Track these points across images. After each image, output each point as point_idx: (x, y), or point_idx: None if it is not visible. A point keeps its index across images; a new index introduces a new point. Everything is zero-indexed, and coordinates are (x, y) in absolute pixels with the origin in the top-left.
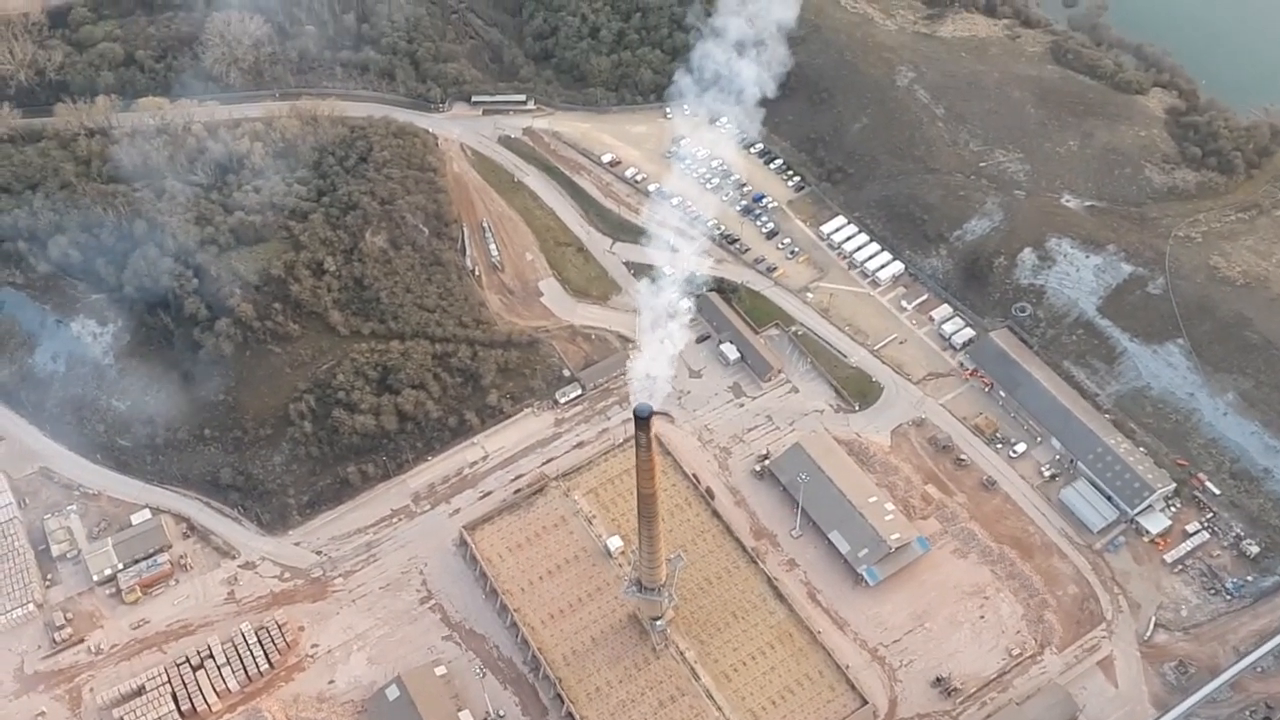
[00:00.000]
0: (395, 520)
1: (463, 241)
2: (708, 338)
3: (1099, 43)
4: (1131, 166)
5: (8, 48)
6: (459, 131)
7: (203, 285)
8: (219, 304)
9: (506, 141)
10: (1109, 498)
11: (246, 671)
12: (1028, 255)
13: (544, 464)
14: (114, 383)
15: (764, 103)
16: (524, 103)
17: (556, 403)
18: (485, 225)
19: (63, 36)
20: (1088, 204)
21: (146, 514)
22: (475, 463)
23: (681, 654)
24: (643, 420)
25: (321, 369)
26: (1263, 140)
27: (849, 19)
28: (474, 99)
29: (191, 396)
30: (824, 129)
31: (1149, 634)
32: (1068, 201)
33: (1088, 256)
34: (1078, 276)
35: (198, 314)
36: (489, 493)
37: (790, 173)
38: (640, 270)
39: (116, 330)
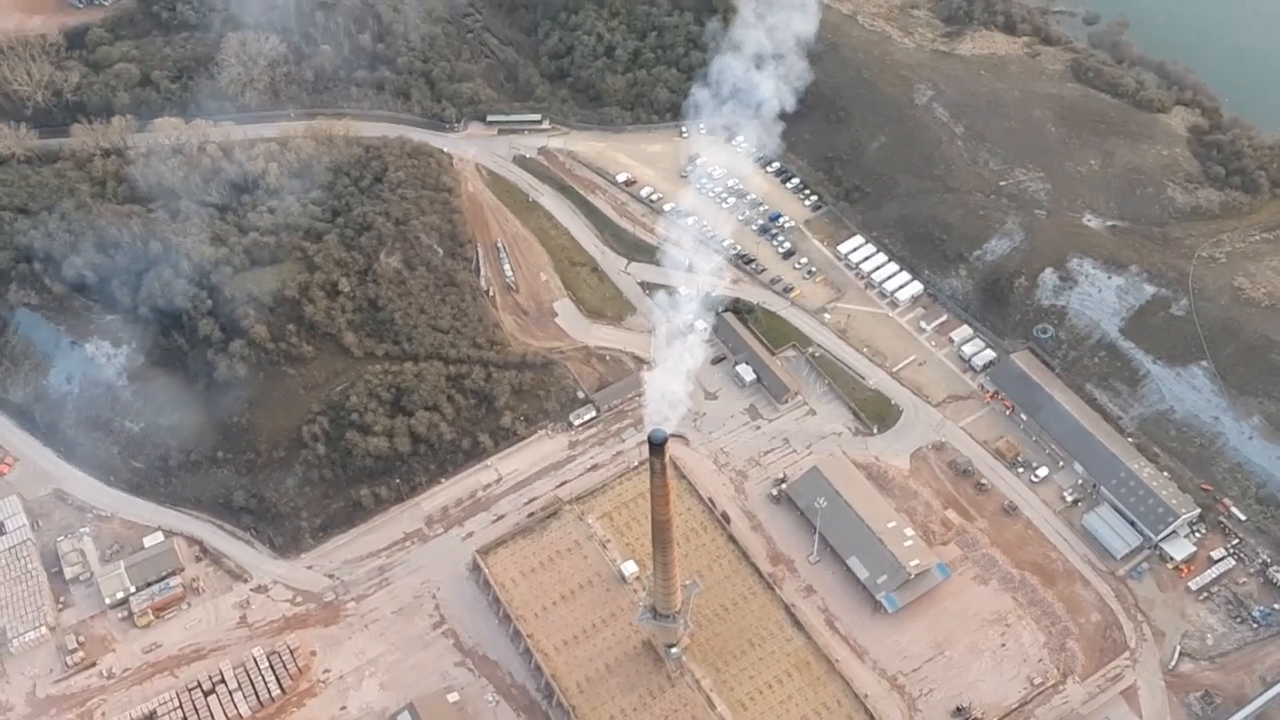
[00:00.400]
0: (408, 544)
1: (477, 262)
2: (723, 359)
3: (1120, 60)
4: (1154, 186)
5: (25, 69)
6: (474, 151)
7: (217, 306)
8: (233, 325)
9: (521, 161)
10: (1132, 523)
11: (258, 697)
12: (1049, 276)
13: (558, 487)
14: (128, 404)
15: (781, 121)
16: (539, 122)
17: (571, 425)
18: (500, 245)
19: (79, 57)
20: (1110, 224)
21: (159, 536)
22: (489, 485)
23: (697, 682)
24: (657, 446)
25: (335, 391)
26: None
27: (867, 37)
28: (489, 118)
29: (205, 418)
30: (841, 148)
31: (1174, 663)
32: (1089, 221)
33: (1110, 277)
34: (1100, 297)
35: (212, 335)
36: (502, 516)
37: (807, 192)
38: (656, 290)
39: (130, 351)
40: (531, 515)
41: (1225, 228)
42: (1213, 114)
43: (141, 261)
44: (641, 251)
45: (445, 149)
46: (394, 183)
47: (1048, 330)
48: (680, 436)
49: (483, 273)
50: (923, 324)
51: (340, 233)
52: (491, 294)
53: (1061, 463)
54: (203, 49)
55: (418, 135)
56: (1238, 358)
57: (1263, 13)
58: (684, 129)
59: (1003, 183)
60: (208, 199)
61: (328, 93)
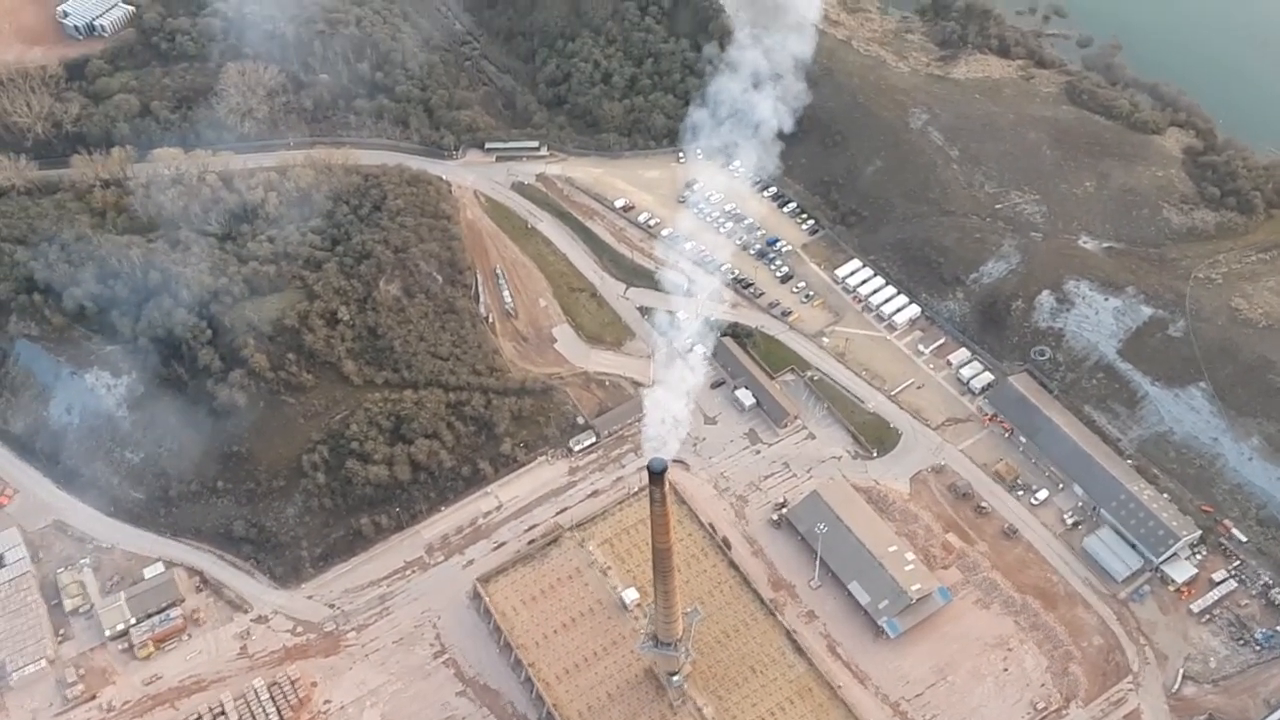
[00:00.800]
0: (408, 572)
1: (476, 288)
2: (723, 383)
3: (1114, 82)
4: (1149, 207)
5: (25, 100)
6: (472, 178)
7: (217, 336)
8: (233, 355)
9: (520, 188)
10: (1133, 546)
11: None
12: (1046, 298)
13: (558, 514)
14: (128, 434)
15: (777, 146)
16: (537, 149)
17: (571, 451)
18: (499, 272)
19: (79, 89)
20: (1106, 245)
21: (159, 567)
22: (489, 513)
23: (699, 710)
24: (657, 475)
25: (335, 419)
26: None
27: (861, 62)
28: (487, 146)
29: (205, 448)
30: (838, 172)
31: (1177, 686)
32: (1085, 243)
33: (1107, 299)
34: (1097, 319)
35: (211, 365)
36: (503, 543)
37: (804, 216)
38: (655, 315)
39: (130, 382)
40: (532, 543)
41: (1221, 248)
42: (1207, 135)
43: (141, 291)
44: (640, 276)
45: (444, 176)
46: (393, 210)
47: (1045, 352)
48: (680, 462)
49: (482, 299)
50: (921, 347)
51: (339, 261)
52: (491, 320)
53: (1061, 485)
54: (202, 79)
55: (416, 163)
56: (1236, 378)
57: (1254, 34)
58: (681, 154)
59: (998, 205)
60: (207, 228)
61: (326, 121)
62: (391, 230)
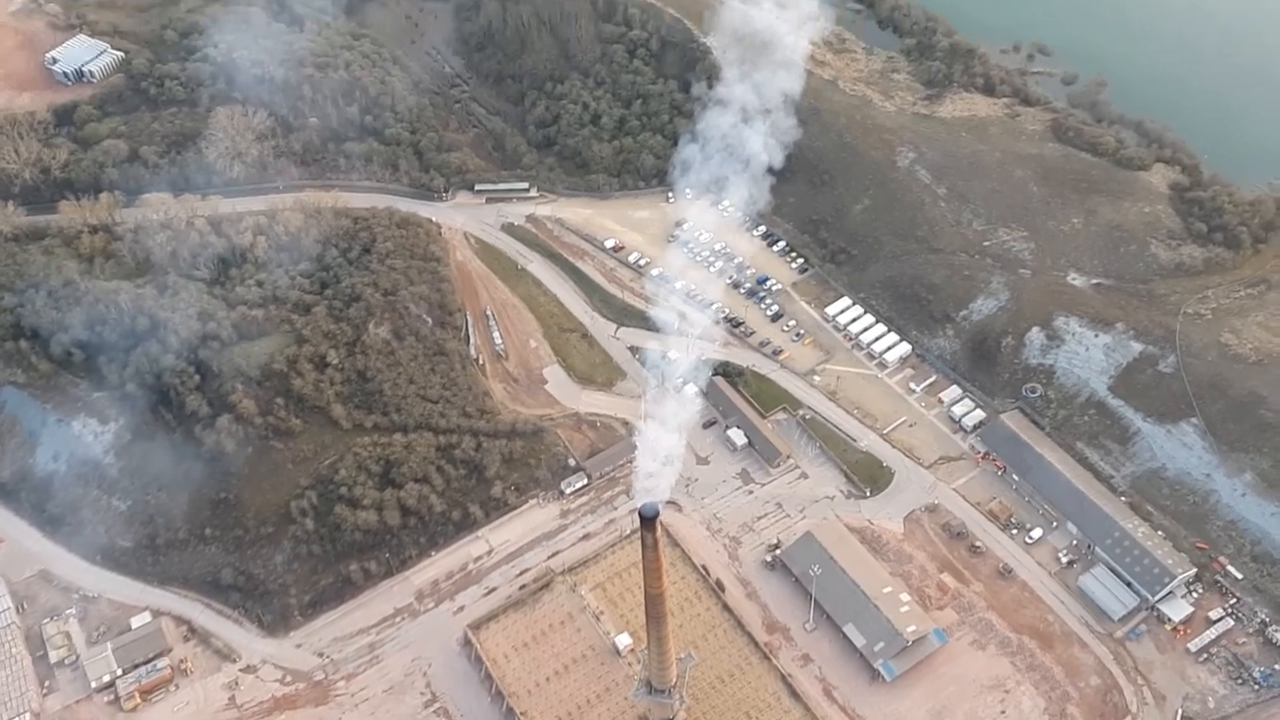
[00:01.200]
0: (398, 619)
1: (466, 330)
2: (715, 423)
3: (1099, 120)
4: (1137, 243)
5: (13, 146)
6: (462, 220)
7: (205, 382)
8: (221, 400)
9: (510, 229)
10: (1128, 584)
11: None
12: (1036, 335)
13: (550, 558)
14: (115, 482)
15: (766, 185)
16: (527, 190)
17: (562, 493)
18: (489, 313)
19: (68, 134)
20: (1094, 282)
21: (146, 617)
22: (480, 557)
23: None
24: (649, 520)
25: (324, 464)
26: (1268, 215)
27: (848, 101)
28: (477, 187)
29: (193, 495)
30: (826, 211)
31: None
32: (1074, 280)
33: (1096, 335)
34: (1087, 356)
35: (199, 411)
36: (494, 589)
37: (794, 254)
38: (646, 355)
39: (118, 429)
40: (523, 588)
41: (1210, 284)
42: (1193, 171)
43: (129, 338)
44: (631, 316)
45: (434, 218)
46: (382, 253)
47: (1036, 389)
48: (673, 503)
49: (472, 341)
50: (912, 385)
51: (328, 304)
52: (481, 362)
53: (1055, 524)
54: (191, 124)
55: (406, 205)
56: (1227, 414)
57: (1238, 71)
58: (670, 194)
59: (986, 243)
60: (196, 273)
61: (316, 164)
62: (381, 273)
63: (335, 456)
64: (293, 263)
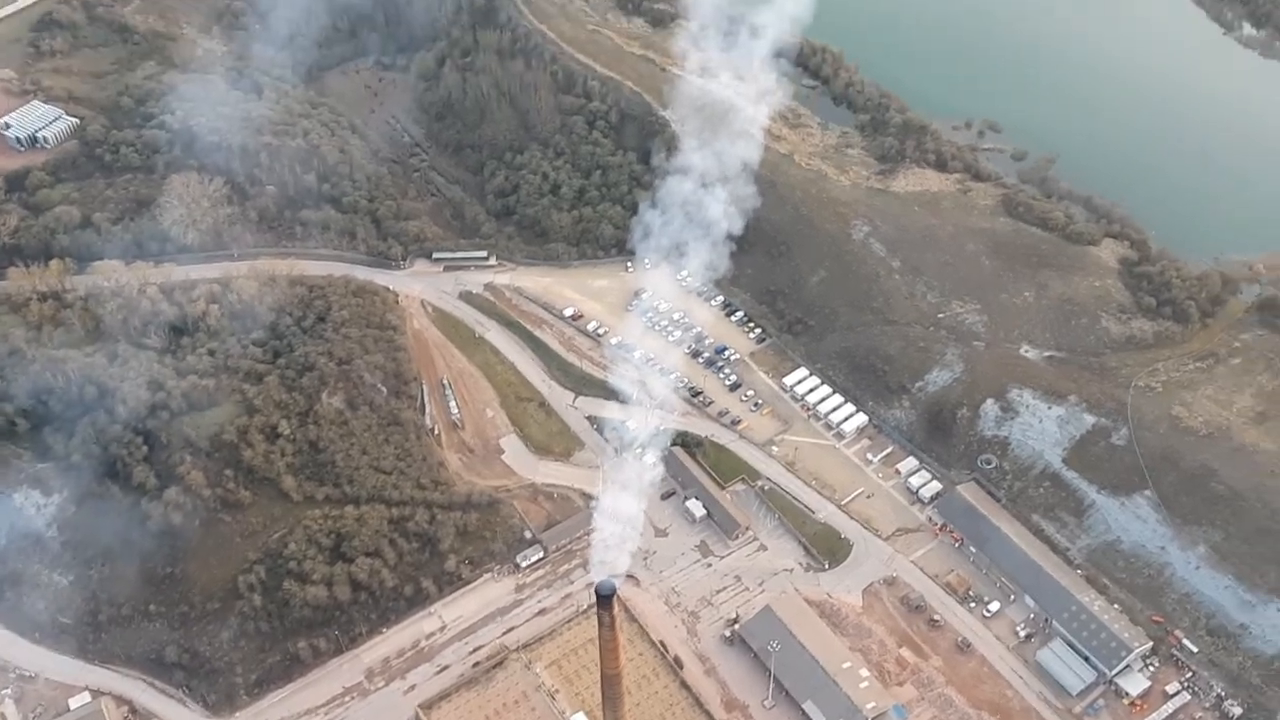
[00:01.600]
0: (348, 699)
1: (422, 400)
2: (673, 493)
3: (1049, 195)
4: (1088, 317)
5: None
6: (420, 288)
7: (153, 453)
8: (168, 472)
9: (468, 297)
10: (1086, 658)
11: None
12: (990, 406)
13: (504, 634)
14: (57, 556)
15: (724, 255)
16: (485, 258)
17: (518, 567)
18: (445, 382)
19: (19, 200)
20: (1047, 354)
21: (86, 697)
22: (432, 634)
23: None
24: (605, 598)
25: (273, 538)
26: (1214, 289)
27: (804, 175)
28: (435, 255)
29: (137, 569)
30: (783, 282)
31: None
32: (1027, 352)
33: (1050, 407)
34: (1041, 428)
35: (147, 483)
36: (446, 667)
37: (751, 324)
38: (604, 425)
39: (62, 501)
40: (477, 665)
41: (1160, 357)
42: (1141, 246)
43: (76, 407)
44: (589, 385)
45: (391, 286)
46: (338, 322)
47: (992, 461)
48: (631, 577)
49: (428, 410)
50: (869, 456)
51: (281, 374)
52: (436, 432)
53: (1013, 596)
54: (146, 191)
55: (363, 273)
56: (1180, 487)
57: (1182, 149)
58: (629, 264)
59: (940, 315)
60: (146, 342)
61: (272, 232)
62: (335, 342)
63: (285, 529)
64: (246, 331)
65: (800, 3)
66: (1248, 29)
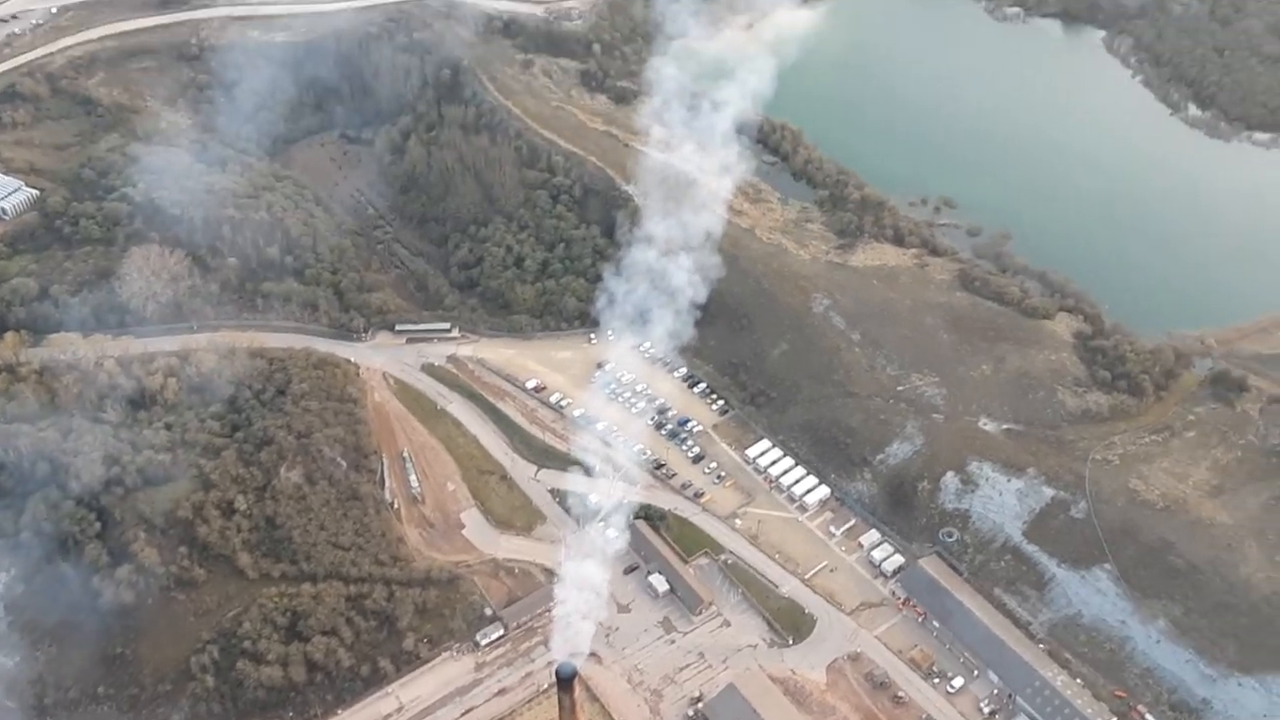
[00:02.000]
0: None
1: (382, 473)
2: (636, 568)
3: (1004, 270)
4: (1045, 390)
5: None
6: (382, 360)
7: (105, 529)
8: (121, 549)
9: (430, 369)
10: None
11: None
12: (950, 479)
13: (463, 715)
14: (3, 637)
15: (687, 328)
16: (448, 330)
17: (477, 645)
18: (406, 455)
19: None
20: (1005, 427)
21: None
22: (389, 715)
23: None
24: (565, 681)
25: (227, 617)
26: (1168, 363)
27: (764, 249)
28: (398, 327)
29: (87, 651)
30: (745, 354)
31: None
32: (985, 425)
33: (1009, 480)
34: (1001, 501)
35: (98, 561)
36: None
37: (714, 396)
38: (566, 498)
39: (9, 580)
40: None
41: (1116, 430)
42: (1095, 320)
43: (28, 484)
44: (551, 458)
45: (352, 359)
46: (297, 395)
47: (953, 534)
48: (593, 654)
49: (387, 484)
50: (832, 529)
51: (239, 448)
52: (396, 506)
53: (976, 671)
54: (105, 263)
55: (324, 346)
56: (1138, 560)
57: (1132, 225)
58: (593, 336)
59: (900, 388)
60: (102, 415)
61: (233, 304)
62: (295, 415)
63: (240, 608)
64: (204, 405)
65: (760, 81)
66: (1193, 110)
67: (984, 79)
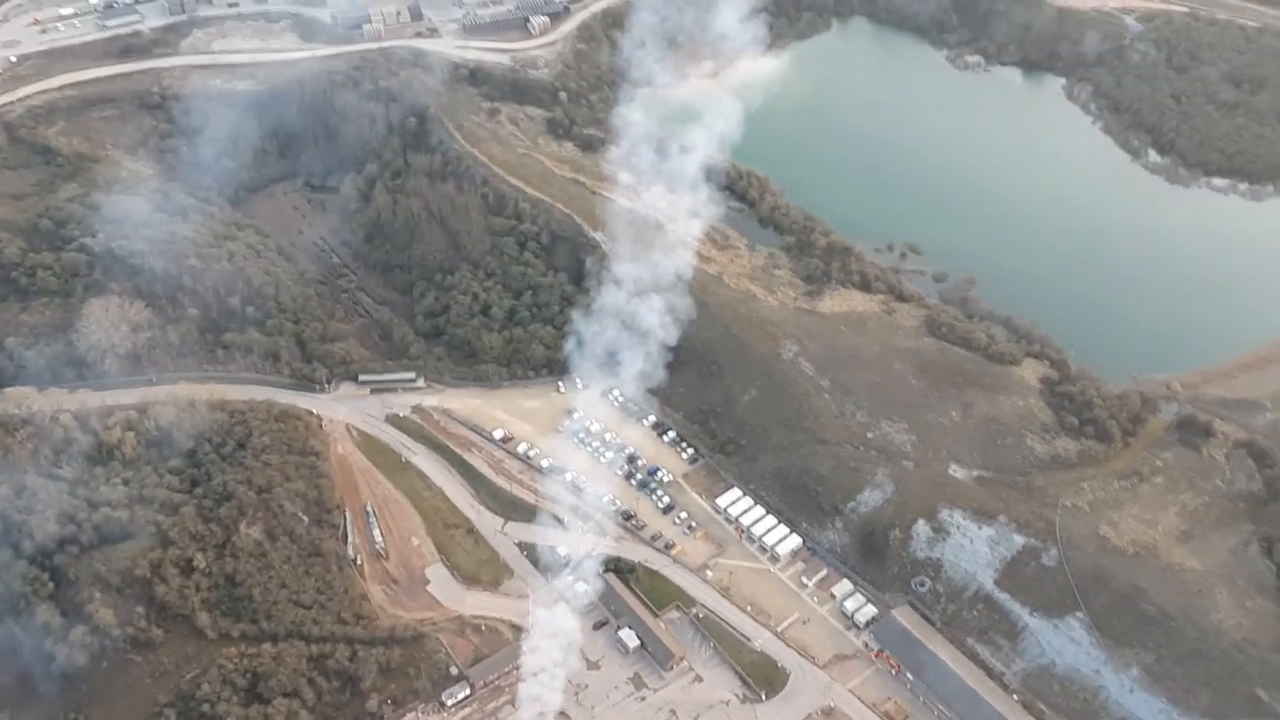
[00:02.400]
0: None
1: (345, 529)
2: (606, 623)
3: (970, 315)
4: (1013, 436)
5: None
6: (345, 412)
7: (59, 589)
8: (76, 610)
9: (395, 420)
10: None
11: None
12: (922, 527)
13: None
14: None
15: (656, 376)
16: (413, 380)
17: (443, 705)
18: (369, 510)
19: None
20: (975, 474)
21: None
22: None
23: None
24: None
25: (185, 679)
26: (1134, 408)
27: (733, 296)
28: (361, 378)
29: (39, 716)
30: (715, 401)
31: None
32: (955, 472)
33: (980, 528)
34: (972, 549)
35: (52, 623)
36: None
37: (684, 444)
38: (534, 551)
39: None
40: None
41: (1085, 476)
42: (1061, 366)
43: None
44: (519, 510)
45: (314, 410)
46: (258, 448)
47: (925, 583)
48: (562, 714)
49: (350, 540)
50: (804, 579)
51: (198, 504)
52: (359, 563)
53: None
54: (62, 315)
55: (286, 397)
56: (1110, 608)
57: (1097, 271)
58: (561, 384)
59: (870, 434)
60: (58, 472)
61: (193, 356)
62: (256, 469)
63: (198, 670)
64: (163, 459)
65: (726, 127)
66: (1153, 155)
67: (947, 126)
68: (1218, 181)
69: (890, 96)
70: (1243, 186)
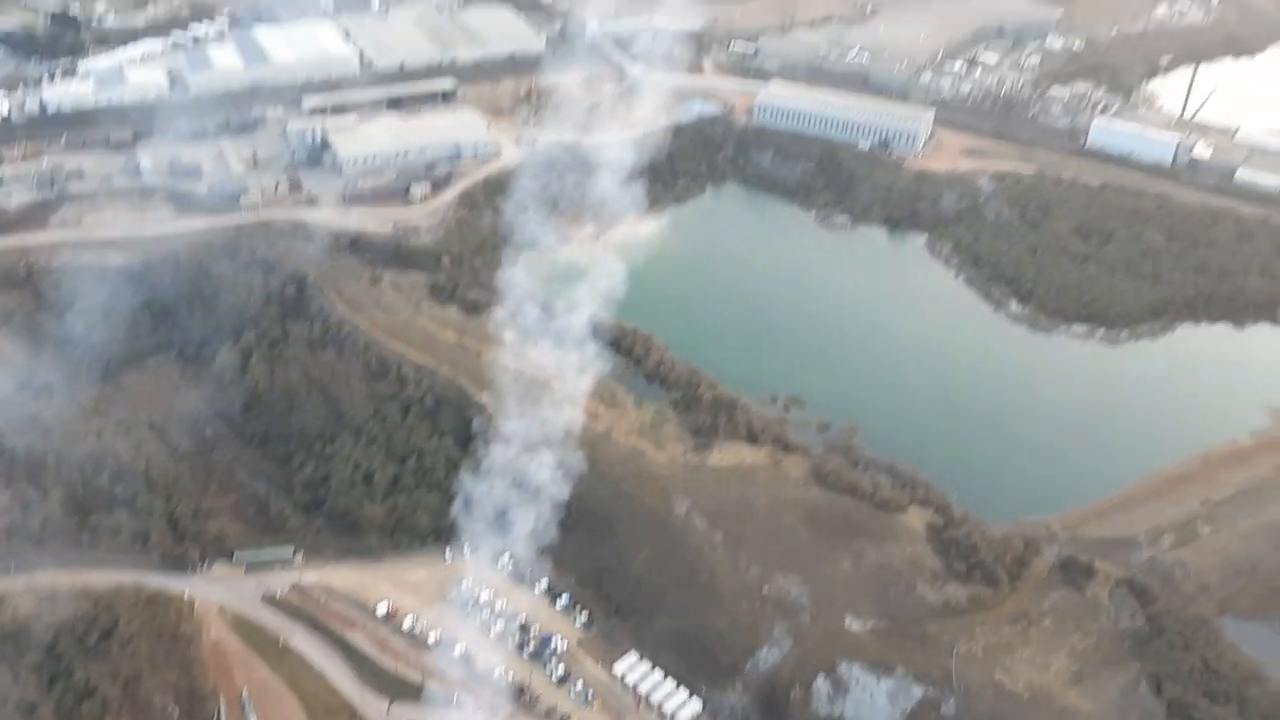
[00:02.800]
0: None
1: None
2: None
3: (855, 464)
4: (904, 584)
5: None
6: (219, 593)
7: None
8: None
9: (272, 600)
10: None
11: None
12: (822, 684)
13: None
14: None
15: (546, 539)
16: (291, 557)
17: None
18: (245, 698)
19: None
20: (870, 625)
21: None
22: None
23: None
24: None
25: None
26: (1018, 551)
27: (621, 452)
28: (236, 557)
29: None
30: (608, 561)
31: None
32: (851, 624)
33: (879, 681)
34: (873, 703)
35: None
36: None
37: (578, 608)
38: None
39: None
40: None
41: (976, 621)
42: (944, 511)
43: None
44: (405, 691)
45: (186, 593)
46: (124, 638)
47: None
48: None
49: None
50: None
51: (57, 703)
52: None
53: None
54: None
55: (156, 581)
56: None
57: (970, 416)
58: (448, 552)
59: (765, 589)
60: None
61: (57, 541)
62: (122, 660)
63: None
64: (19, 656)
65: (610, 286)
66: (1015, 305)
67: (821, 282)
68: (1077, 328)
69: (765, 255)
70: (1100, 332)
